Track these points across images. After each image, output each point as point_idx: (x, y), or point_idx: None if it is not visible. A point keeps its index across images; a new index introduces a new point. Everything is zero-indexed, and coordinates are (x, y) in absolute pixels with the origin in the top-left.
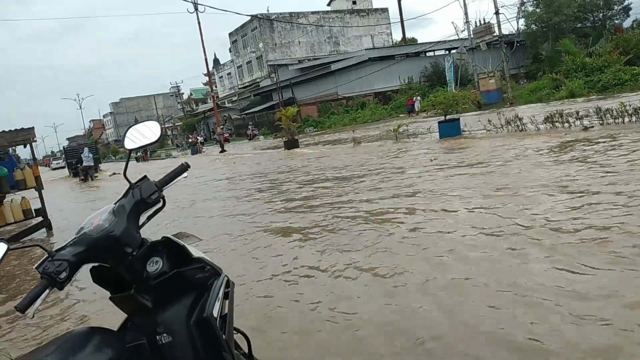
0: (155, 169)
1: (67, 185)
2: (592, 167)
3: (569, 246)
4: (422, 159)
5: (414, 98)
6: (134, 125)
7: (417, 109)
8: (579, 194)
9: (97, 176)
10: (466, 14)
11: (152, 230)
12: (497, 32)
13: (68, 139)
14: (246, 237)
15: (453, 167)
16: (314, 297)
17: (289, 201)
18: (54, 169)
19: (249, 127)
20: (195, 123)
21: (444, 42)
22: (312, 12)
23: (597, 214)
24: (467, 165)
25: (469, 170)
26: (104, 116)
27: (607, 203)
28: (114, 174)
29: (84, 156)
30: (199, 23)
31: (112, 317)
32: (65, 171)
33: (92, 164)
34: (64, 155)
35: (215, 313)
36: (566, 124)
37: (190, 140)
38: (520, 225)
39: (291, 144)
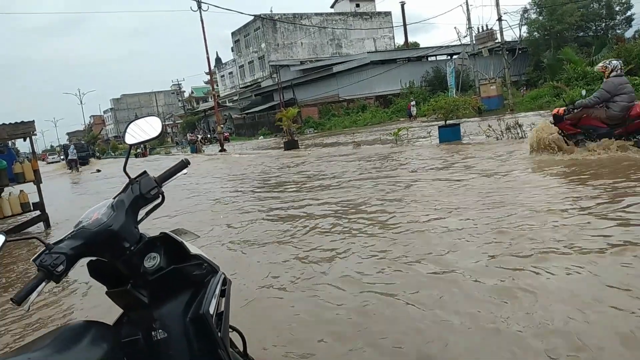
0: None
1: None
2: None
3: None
4: (415, 163)
5: (412, 101)
6: (134, 120)
7: (412, 114)
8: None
9: (79, 168)
10: (469, 19)
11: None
12: (499, 39)
13: (68, 133)
14: None
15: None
16: None
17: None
18: (49, 162)
19: None
20: (196, 121)
21: (446, 47)
22: (316, 14)
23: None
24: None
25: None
26: (104, 112)
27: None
28: (98, 170)
29: (70, 151)
30: (201, 21)
31: (108, 312)
32: (60, 163)
33: (76, 157)
34: (62, 151)
35: (212, 310)
36: None
37: (192, 137)
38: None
39: (291, 145)
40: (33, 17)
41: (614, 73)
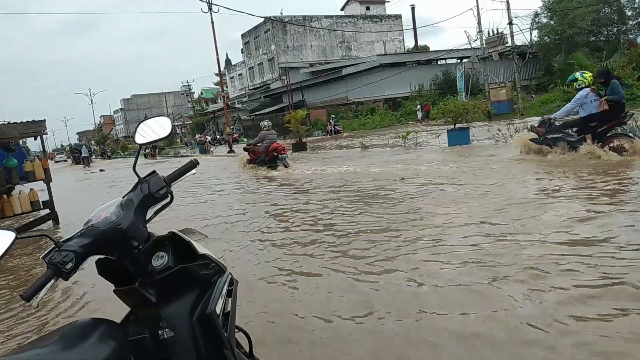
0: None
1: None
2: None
3: None
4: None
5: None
6: (145, 120)
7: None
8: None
9: (90, 163)
10: (479, 23)
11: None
12: (509, 43)
13: (78, 133)
14: None
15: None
16: None
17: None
18: (57, 161)
19: (331, 121)
20: (205, 122)
21: (456, 50)
22: (326, 16)
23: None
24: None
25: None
26: (114, 112)
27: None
28: (101, 170)
29: (83, 150)
30: (212, 23)
31: (116, 310)
32: (67, 162)
33: (87, 155)
34: (70, 150)
35: (218, 310)
36: None
37: (201, 138)
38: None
39: (299, 147)
40: (46, 19)
41: (265, 129)
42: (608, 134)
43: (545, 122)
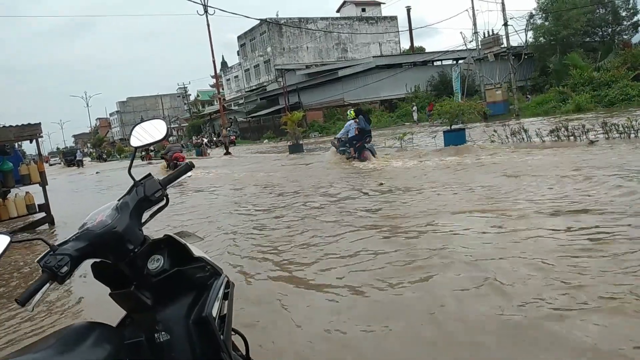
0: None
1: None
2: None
3: None
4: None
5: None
6: (140, 123)
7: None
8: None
9: (83, 164)
10: (475, 24)
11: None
12: (505, 44)
13: (74, 136)
14: None
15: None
16: None
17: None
18: (52, 164)
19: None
20: (201, 124)
21: (452, 51)
22: (321, 18)
23: None
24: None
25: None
26: (110, 115)
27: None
28: (97, 172)
29: (77, 154)
30: (208, 25)
31: (112, 313)
32: (60, 164)
33: (82, 158)
34: (63, 153)
35: (215, 313)
36: (572, 138)
37: (197, 141)
38: None
39: (296, 149)
40: (42, 21)
41: (171, 143)
42: (361, 149)
43: (339, 139)
